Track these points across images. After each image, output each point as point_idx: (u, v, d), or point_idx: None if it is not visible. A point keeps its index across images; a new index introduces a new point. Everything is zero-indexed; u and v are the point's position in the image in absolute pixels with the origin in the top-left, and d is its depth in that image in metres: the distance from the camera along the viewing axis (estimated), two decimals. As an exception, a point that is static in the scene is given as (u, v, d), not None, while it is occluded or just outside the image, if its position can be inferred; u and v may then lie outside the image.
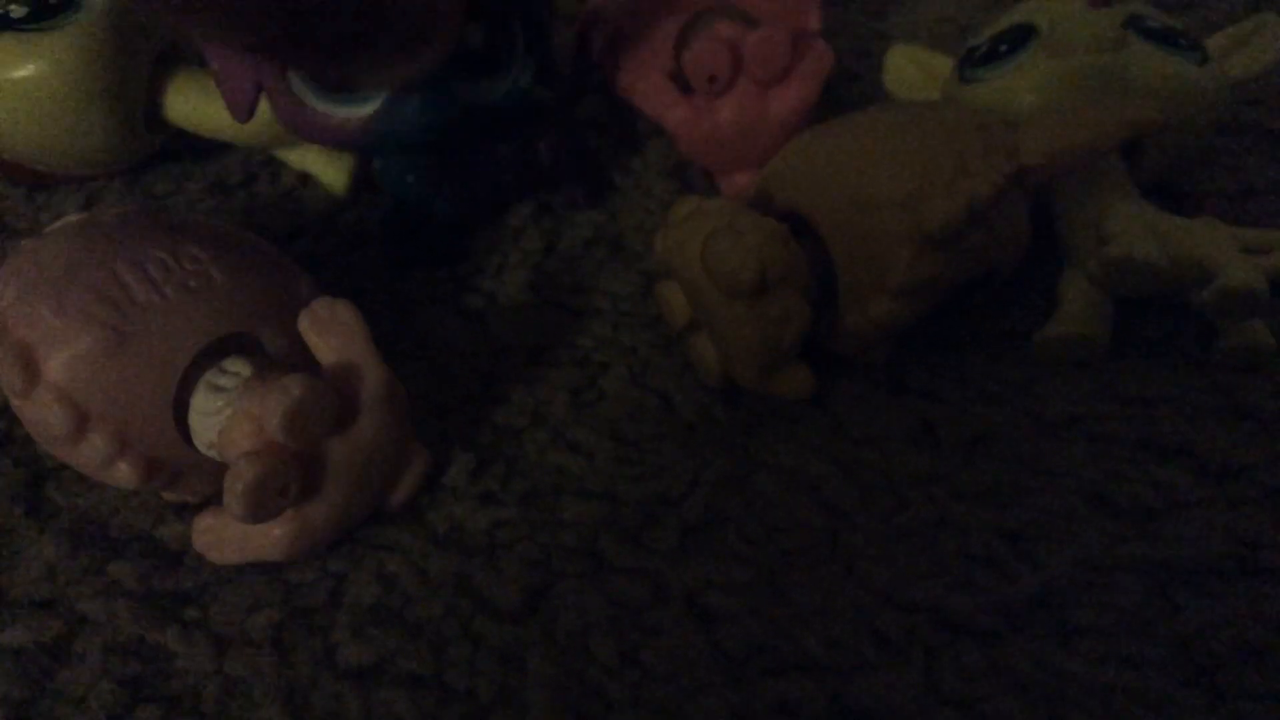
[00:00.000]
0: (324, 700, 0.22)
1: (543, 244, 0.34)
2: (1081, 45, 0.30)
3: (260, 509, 0.22)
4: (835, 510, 0.26)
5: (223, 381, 0.23)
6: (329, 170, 0.36)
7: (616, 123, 0.39)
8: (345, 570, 0.25)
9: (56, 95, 0.33)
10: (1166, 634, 0.23)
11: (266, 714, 0.22)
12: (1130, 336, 0.29)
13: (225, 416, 0.23)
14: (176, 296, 0.23)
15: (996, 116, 0.28)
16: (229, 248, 0.25)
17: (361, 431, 0.23)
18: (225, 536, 0.24)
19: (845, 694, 0.22)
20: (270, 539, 0.23)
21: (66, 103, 0.33)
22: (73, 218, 0.26)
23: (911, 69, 0.37)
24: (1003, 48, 0.32)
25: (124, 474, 0.23)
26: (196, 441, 0.24)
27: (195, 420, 0.23)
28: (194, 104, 0.35)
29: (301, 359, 0.24)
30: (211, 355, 0.23)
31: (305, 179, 0.37)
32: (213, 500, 0.25)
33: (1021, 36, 0.31)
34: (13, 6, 0.33)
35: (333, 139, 0.30)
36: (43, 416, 0.22)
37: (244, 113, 0.30)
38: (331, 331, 0.24)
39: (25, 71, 0.33)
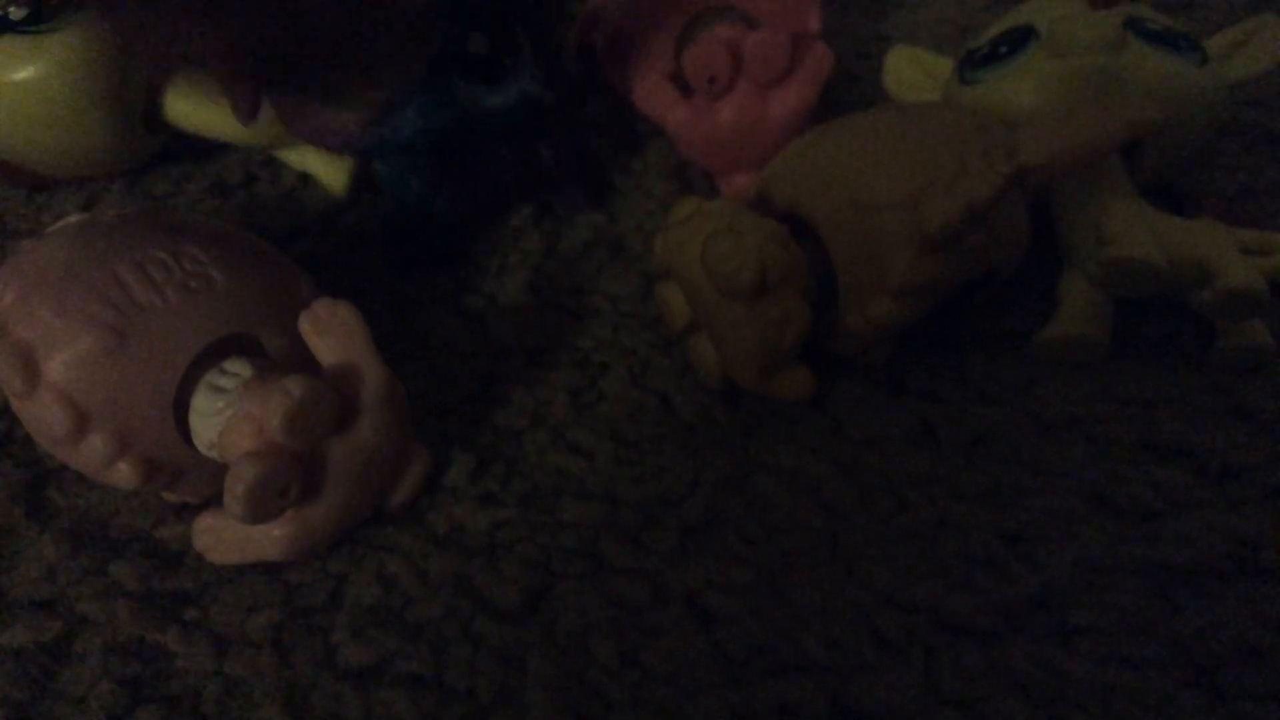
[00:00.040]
0: (324, 701, 0.22)
1: (543, 245, 0.34)
2: (1081, 47, 0.30)
3: (261, 510, 0.22)
4: (835, 511, 0.26)
5: (223, 382, 0.23)
6: (329, 171, 0.36)
7: (617, 124, 0.39)
8: (345, 571, 0.25)
9: (56, 97, 0.33)
10: (1166, 634, 0.23)
11: (266, 714, 0.22)
12: (1130, 337, 0.29)
13: (226, 417, 0.23)
14: (177, 297, 0.23)
15: (996, 118, 0.28)
16: (229, 248, 0.25)
17: (362, 432, 0.23)
18: (225, 537, 0.24)
19: (845, 694, 0.22)
20: (270, 539, 0.23)
21: (66, 104, 0.33)
22: (73, 218, 0.26)
23: (911, 70, 0.37)
24: (1003, 49, 0.32)
25: (124, 474, 0.23)
26: (197, 442, 0.24)
27: (195, 421, 0.23)
28: (193, 105, 0.35)
29: (302, 360, 0.24)
30: (212, 356, 0.23)
31: (305, 179, 0.37)
32: (213, 501, 0.25)
33: (1021, 38, 0.31)
34: (12, 8, 0.33)
35: (334, 142, 0.30)
36: (43, 417, 0.22)
37: (248, 115, 0.30)
38: (332, 332, 0.24)
39: (25, 73, 0.33)
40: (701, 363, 0.28)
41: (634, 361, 0.30)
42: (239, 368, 0.23)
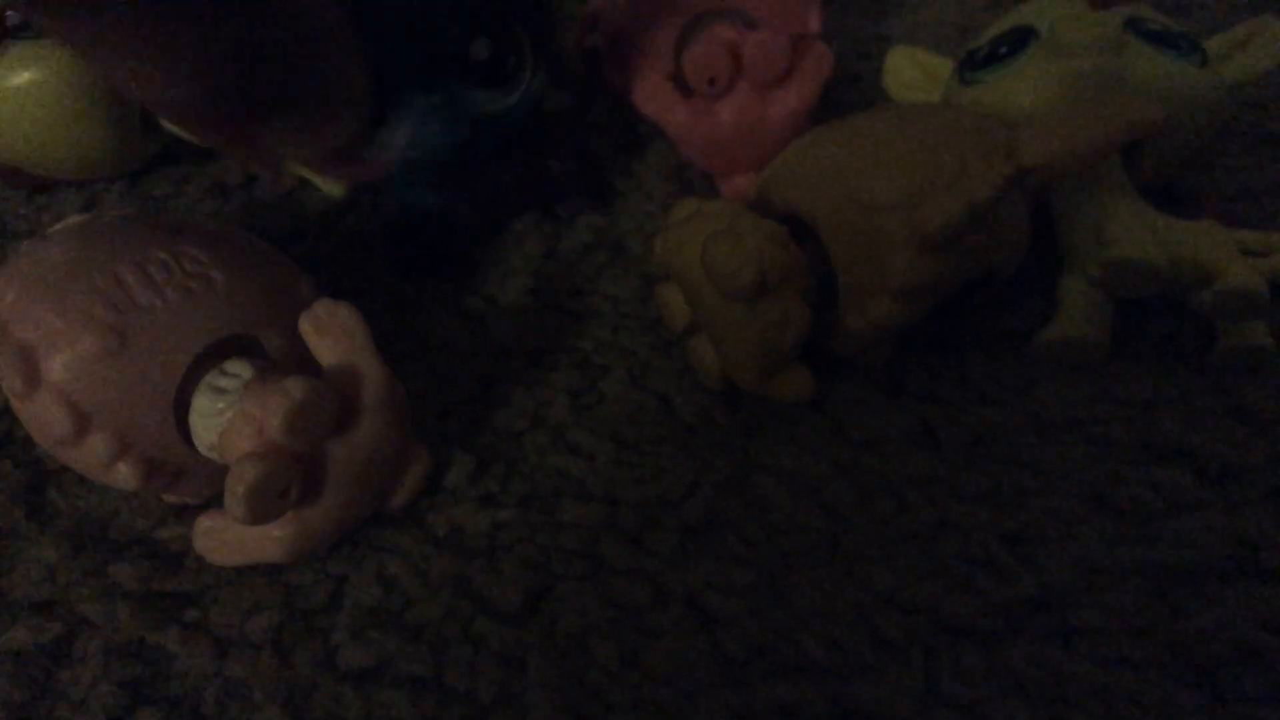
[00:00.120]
0: (324, 702, 0.22)
1: (543, 247, 0.34)
2: (1081, 47, 0.30)
3: (261, 511, 0.22)
4: (835, 512, 0.26)
5: (223, 383, 0.23)
6: (326, 173, 0.36)
7: (617, 125, 0.39)
8: (345, 572, 0.25)
9: (53, 102, 0.33)
10: (1166, 635, 0.23)
11: (266, 716, 0.22)
12: (1130, 338, 0.29)
13: (226, 418, 0.23)
14: (177, 298, 0.23)
15: (996, 118, 0.28)
16: (229, 250, 0.25)
17: (362, 433, 0.23)
18: (226, 538, 0.24)
19: (845, 695, 0.22)
20: (271, 541, 0.23)
21: (63, 109, 0.34)
22: (74, 220, 0.26)
23: (911, 71, 0.37)
24: (1003, 50, 0.32)
25: (124, 475, 0.23)
26: (197, 443, 0.24)
27: (196, 422, 0.23)
28: None
29: (302, 360, 0.24)
30: (212, 357, 0.23)
31: (305, 180, 0.37)
32: (213, 502, 0.25)
33: (1021, 39, 0.31)
34: (10, 13, 0.33)
35: (359, 172, 0.30)
36: (44, 418, 0.22)
37: (273, 182, 0.31)
38: (332, 333, 0.24)
39: (22, 78, 0.33)
40: (701, 364, 0.28)
41: (634, 363, 0.30)
42: (239, 369, 0.23)
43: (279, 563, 0.24)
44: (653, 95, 0.34)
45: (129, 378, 0.22)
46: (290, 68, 0.23)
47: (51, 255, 0.23)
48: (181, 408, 0.23)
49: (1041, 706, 0.21)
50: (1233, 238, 0.28)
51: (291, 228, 0.35)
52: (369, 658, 0.23)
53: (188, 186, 0.37)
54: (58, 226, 0.26)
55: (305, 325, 0.24)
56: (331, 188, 0.36)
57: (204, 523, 0.24)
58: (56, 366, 0.22)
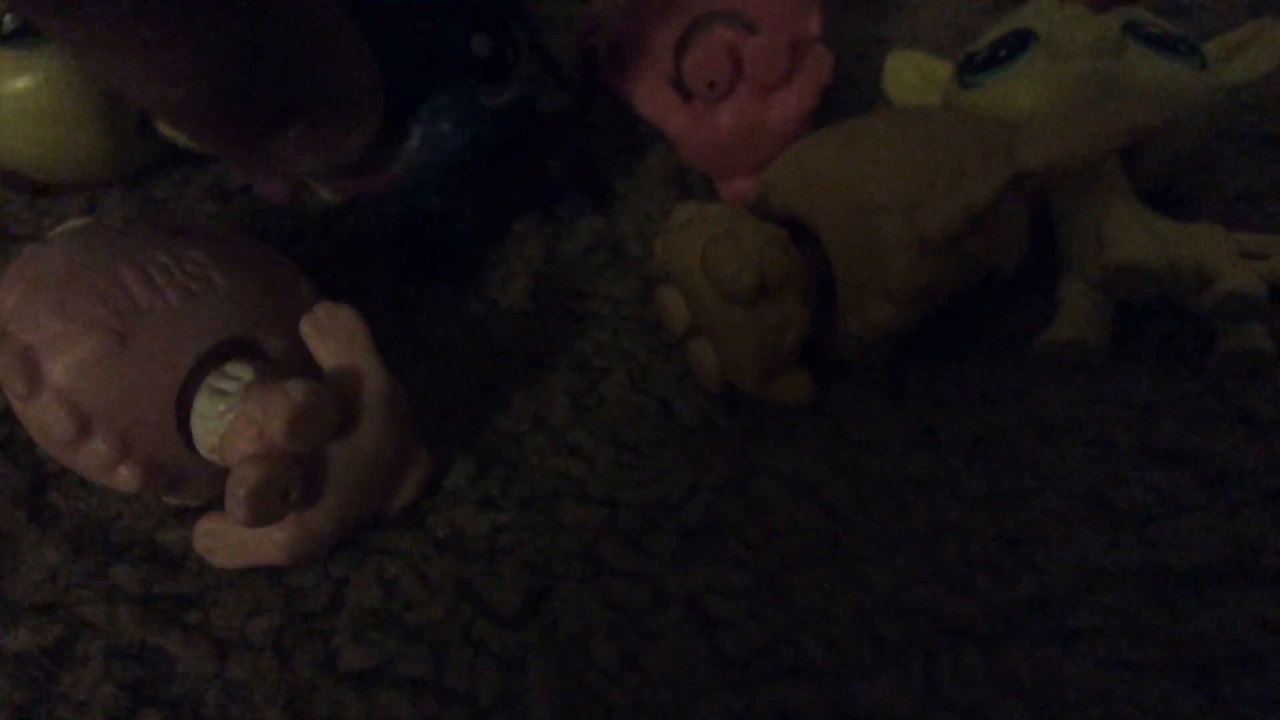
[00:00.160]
0: (325, 704, 0.22)
1: (544, 250, 0.34)
2: (1080, 51, 0.30)
3: (262, 513, 0.22)
4: (835, 514, 0.26)
5: (225, 385, 0.23)
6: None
7: (617, 128, 0.39)
8: (346, 574, 0.25)
9: (50, 108, 0.33)
10: (1166, 638, 0.23)
11: (267, 717, 0.22)
12: (1130, 341, 0.29)
13: (227, 421, 0.23)
14: (179, 301, 0.23)
15: (996, 122, 0.28)
16: (230, 252, 0.25)
17: (362, 436, 0.23)
18: (226, 540, 0.24)
19: (845, 697, 0.22)
20: (271, 543, 0.23)
21: (60, 115, 0.34)
22: (75, 222, 0.26)
23: (911, 74, 0.37)
24: (1002, 53, 0.32)
25: (126, 478, 0.23)
26: (198, 445, 0.24)
27: (197, 424, 0.23)
28: None
29: (303, 363, 0.24)
30: (213, 359, 0.23)
31: (304, 183, 0.37)
32: (214, 504, 0.25)
33: (1021, 42, 0.31)
34: (6, 19, 0.33)
35: (376, 184, 0.30)
36: (45, 420, 0.22)
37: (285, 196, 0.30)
38: (333, 336, 0.24)
39: (18, 85, 0.33)
40: (701, 366, 0.28)
41: (634, 365, 0.30)
42: (240, 371, 0.23)
43: (280, 565, 0.24)
44: (653, 98, 0.34)
45: (130, 380, 0.22)
46: (293, 68, 0.23)
47: (53, 258, 0.23)
48: (183, 410, 0.23)
49: (1041, 708, 0.22)
50: (1232, 240, 0.28)
51: (292, 230, 0.35)
52: (369, 659, 0.23)
53: (189, 189, 0.37)
54: (59, 230, 0.26)
55: (306, 328, 0.24)
56: (330, 192, 0.36)
57: (205, 525, 0.24)
58: (58, 369, 0.22)
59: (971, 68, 0.33)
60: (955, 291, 0.27)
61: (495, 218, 0.34)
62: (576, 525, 0.26)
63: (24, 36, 0.33)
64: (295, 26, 0.23)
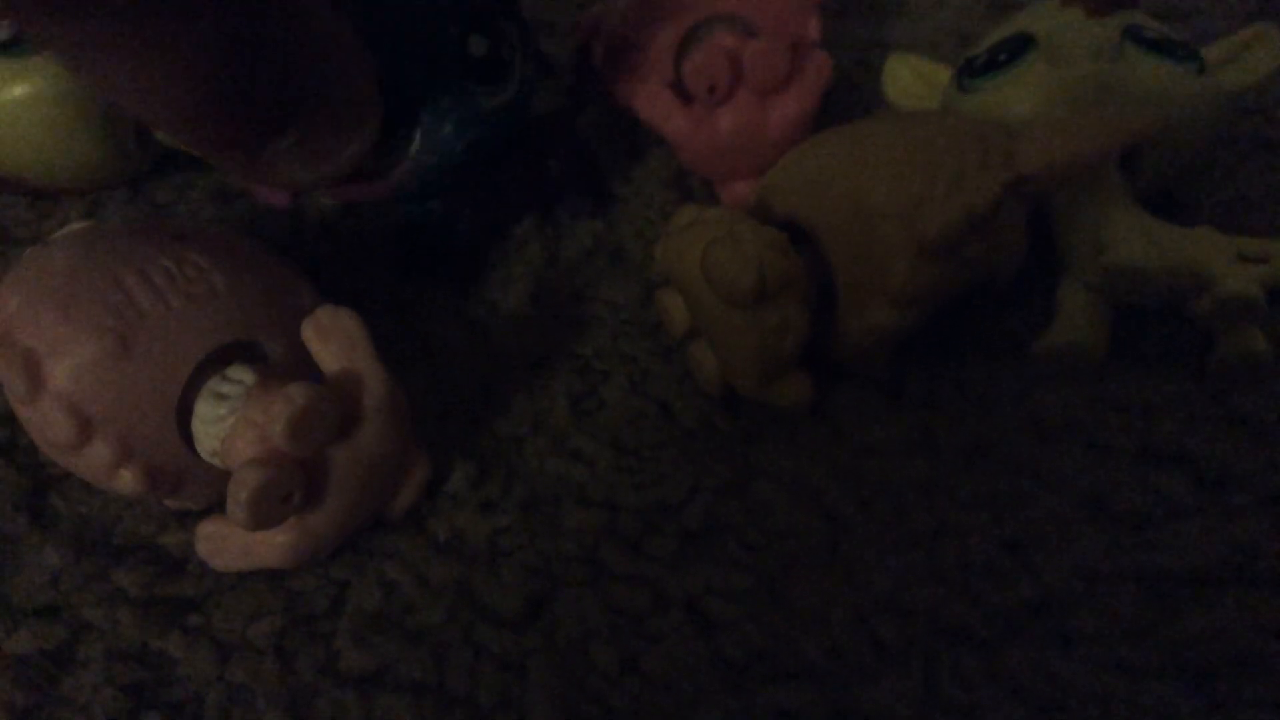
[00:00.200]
0: (326, 707, 0.22)
1: (544, 253, 0.34)
2: (1080, 55, 0.30)
3: (263, 516, 0.22)
4: (835, 518, 0.26)
5: (226, 389, 0.23)
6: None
7: (616, 131, 0.39)
8: (347, 577, 0.25)
9: (45, 116, 0.33)
10: (1164, 641, 0.23)
11: (268, 720, 0.22)
12: (1128, 344, 0.29)
13: (229, 424, 0.23)
14: (180, 304, 0.23)
15: (995, 126, 0.28)
16: (232, 255, 0.25)
17: (364, 439, 0.23)
18: (228, 544, 0.24)
19: (844, 700, 0.22)
20: (273, 546, 0.24)
21: (56, 123, 0.34)
22: (77, 226, 0.26)
23: (910, 78, 0.37)
24: (1001, 57, 0.32)
25: (127, 481, 0.23)
26: (200, 449, 0.24)
27: (198, 428, 0.23)
28: None
29: (304, 366, 0.24)
30: (215, 363, 0.24)
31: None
32: (216, 508, 0.25)
33: (1020, 46, 0.31)
34: (1, 27, 0.33)
35: (379, 191, 0.30)
36: (47, 423, 0.22)
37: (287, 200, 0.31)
38: (334, 339, 0.24)
39: (13, 93, 0.33)
40: (701, 370, 0.28)
41: (634, 368, 0.30)
42: (242, 374, 0.23)
43: (281, 568, 0.24)
44: (653, 102, 0.34)
45: (132, 383, 0.22)
46: (290, 71, 0.23)
47: (55, 262, 0.23)
48: (184, 413, 0.23)
49: (1040, 710, 0.22)
50: (1230, 244, 0.28)
51: (292, 232, 0.35)
52: (370, 662, 0.23)
53: (190, 192, 0.37)
54: (60, 233, 0.26)
55: (308, 331, 0.24)
56: (331, 197, 0.36)
57: (206, 528, 0.24)
58: (60, 372, 0.22)
59: (971, 72, 0.33)
60: (955, 295, 0.27)
61: (495, 219, 0.34)
62: (577, 528, 0.26)
63: (19, 44, 0.33)
64: (292, 27, 0.23)
